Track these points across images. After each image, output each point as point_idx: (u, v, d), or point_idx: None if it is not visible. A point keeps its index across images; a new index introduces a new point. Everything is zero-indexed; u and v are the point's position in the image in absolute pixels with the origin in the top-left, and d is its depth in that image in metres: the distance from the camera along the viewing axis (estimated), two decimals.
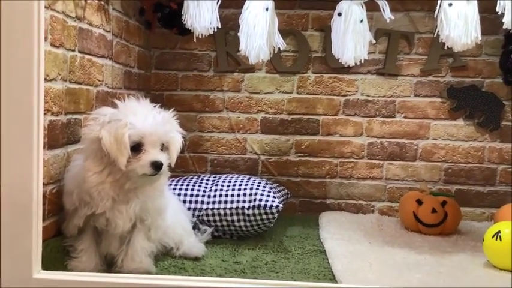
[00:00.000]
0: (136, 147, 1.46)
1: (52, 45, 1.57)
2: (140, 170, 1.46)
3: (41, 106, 1.27)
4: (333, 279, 1.60)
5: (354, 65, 1.97)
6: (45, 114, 1.53)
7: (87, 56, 1.85)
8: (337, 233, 2.12)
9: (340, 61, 1.98)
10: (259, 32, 1.95)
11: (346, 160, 2.63)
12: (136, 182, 1.49)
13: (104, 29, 1.99)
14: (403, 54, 2.58)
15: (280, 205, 1.98)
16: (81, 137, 1.53)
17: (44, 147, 1.52)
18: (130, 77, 2.34)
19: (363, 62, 1.99)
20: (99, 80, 1.97)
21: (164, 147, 1.54)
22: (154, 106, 1.56)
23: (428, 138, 2.59)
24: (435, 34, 1.93)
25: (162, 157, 1.49)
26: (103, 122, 1.46)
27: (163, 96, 2.64)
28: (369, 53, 2.24)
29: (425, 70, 2.56)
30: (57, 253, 1.57)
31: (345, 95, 2.61)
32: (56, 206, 1.63)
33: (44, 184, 1.54)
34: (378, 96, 2.60)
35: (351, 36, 1.89)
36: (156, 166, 1.46)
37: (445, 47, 1.92)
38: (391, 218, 2.49)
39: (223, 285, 1.26)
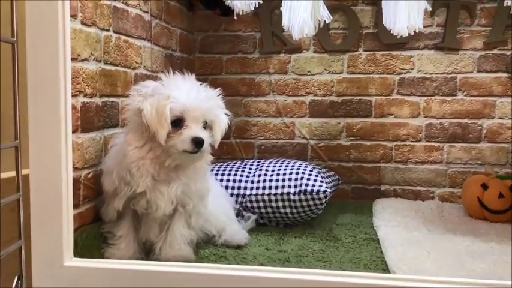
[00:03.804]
0: (178, 123, 1.40)
1: (83, 23, 1.51)
2: (180, 145, 1.39)
3: (68, 86, 1.20)
4: (386, 269, 1.46)
5: (407, 35, 1.80)
6: (77, 95, 1.48)
7: (123, 37, 1.78)
8: (392, 220, 1.97)
9: (392, 32, 1.82)
10: (302, 4, 1.83)
11: (402, 143, 2.45)
12: (177, 159, 1.42)
13: (141, 9, 1.92)
14: (464, 27, 2.36)
15: (329, 190, 1.84)
16: (124, 108, 1.47)
17: (77, 130, 1.48)
18: (172, 60, 2.27)
19: (417, 31, 1.82)
20: (137, 63, 1.90)
21: (207, 126, 1.46)
22: (200, 84, 1.49)
23: (494, 118, 2.37)
24: (498, 0, 1.73)
25: (204, 134, 1.41)
26: (145, 93, 1.41)
27: (208, 81, 2.55)
28: (425, 26, 2.08)
29: (489, 43, 2.34)
30: (94, 240, 1.52)
31: (400, 73, 2.43)
32: (92, 192, 1.58)
33: (78, 168, 1.49)
34: (437, 73, 2.40)
35: (404, 3, 1.73)
36: (197, 143, 1.39)
37: (511, 12, 1.72)
38: (453, 205, 2.31)
39: (261, 275, 1.15)
